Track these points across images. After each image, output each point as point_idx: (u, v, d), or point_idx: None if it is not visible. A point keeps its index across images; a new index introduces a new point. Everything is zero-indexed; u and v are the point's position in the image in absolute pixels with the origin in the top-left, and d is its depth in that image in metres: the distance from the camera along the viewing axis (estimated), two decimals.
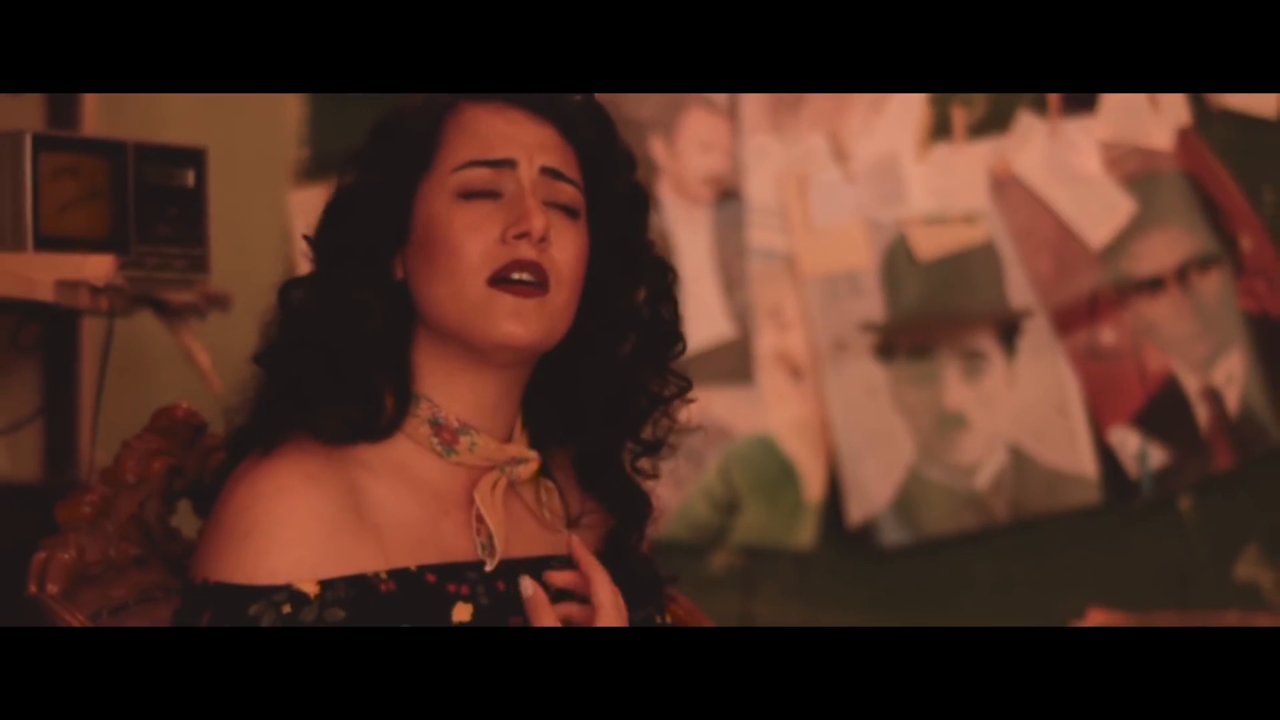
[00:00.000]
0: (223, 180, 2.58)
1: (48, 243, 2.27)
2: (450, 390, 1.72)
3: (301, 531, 1.63)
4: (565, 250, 1.71)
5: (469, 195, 1.70)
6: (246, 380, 1.74)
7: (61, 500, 1.79)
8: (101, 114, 3.04)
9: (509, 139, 1.72)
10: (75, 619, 1.70)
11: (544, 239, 1.68)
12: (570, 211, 1.73)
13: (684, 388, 1.81)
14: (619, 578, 1.76)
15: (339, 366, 1.69)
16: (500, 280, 1.68)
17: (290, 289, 1.74)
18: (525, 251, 1.68)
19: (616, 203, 1.77)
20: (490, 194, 1.70)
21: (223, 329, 2.65)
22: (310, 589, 1.62)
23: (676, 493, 3.36)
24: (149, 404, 1.90)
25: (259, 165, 3.18)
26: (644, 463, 1.82)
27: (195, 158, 2.50)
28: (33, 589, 1.73)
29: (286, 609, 1.61)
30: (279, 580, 1.62)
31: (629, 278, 1.77)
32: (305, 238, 1.76)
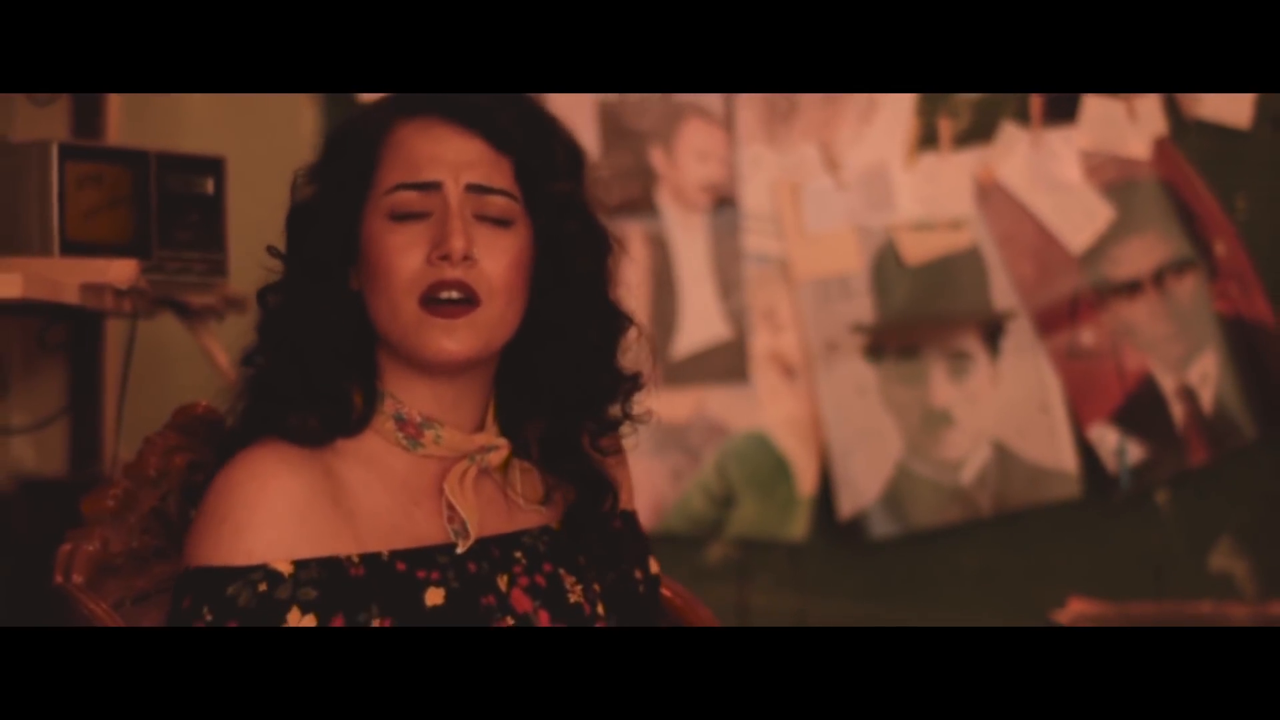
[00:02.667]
0: (241, 188, 2.58)
1: (73, 248, 2.27)
2: (411, 389, 1.72)
3: (275, 514, 1.63)
4: (496, 262, 1.70)
5: (399, 216, 1.70)
6: (238, 380, 1.75)
7: (86, 494, 1.79)
8: (125, 124, 3.03)
9: (434, 160, 1.70)
10: (99, 608, 1.70)
11: (468, 257, 1.68)
12: (502, 222, 1.71)
13: (632, 376, 1.80)
14: (584, 549, 1.77)
15: (308, 370, 1.70)
16: (430, 300, 1.68)
17: (266, 293, 1.75)
18: (449, 272, 1.67)
19: (551, 206, 1.74)
20: (419, 215, 1.70)
21: (240, 330, 2.64)
22: (285, 568, 1.62)
23: (675, 487, 3.36)
24: (170, 402, 1.90)
25: (275, 173, 3.17)
26: (604, 442, 1.82)
27: (214, 166, 2.50)
28: (59, 579, 1.73)
29: (262, 587, 1.61)
30: (255, 560, 1.62)
31: (565, 277, 1.76)
32: (270, 250, 1.76)
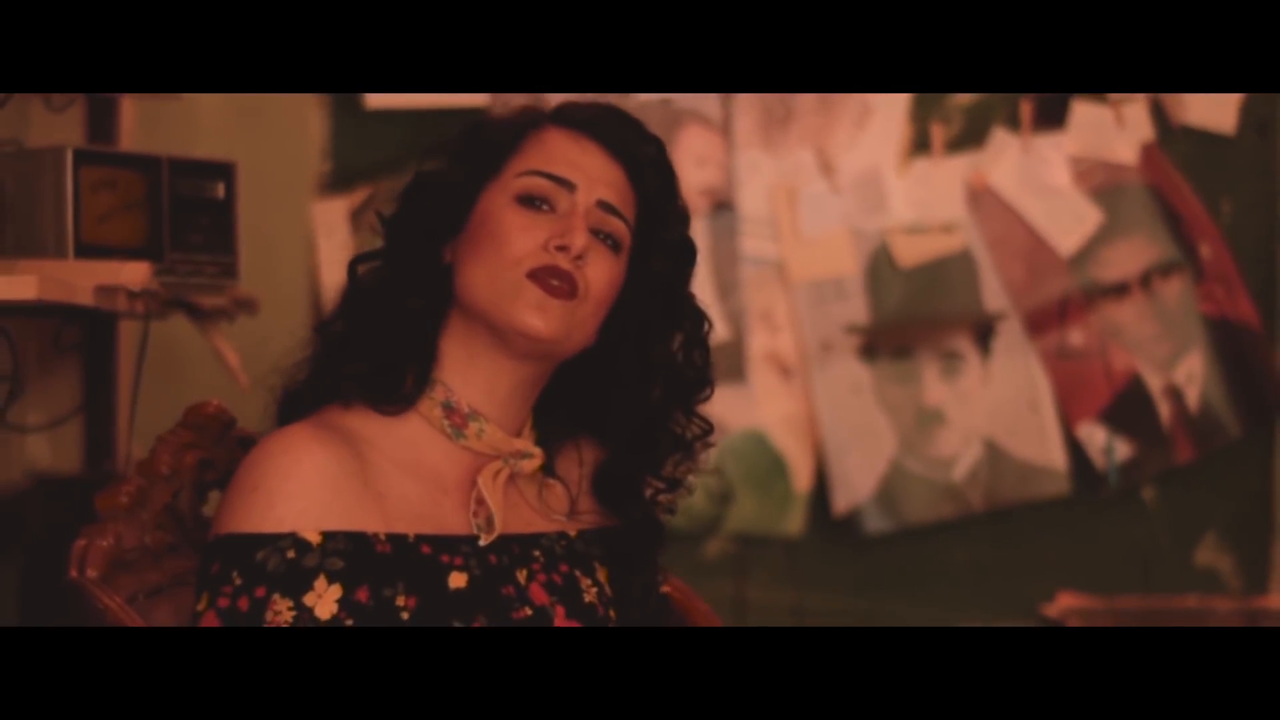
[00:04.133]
0: (251, 192, 2.58)
1: (87, 251, 2.27)
2: (468, 376, 1.73)
3: (306, 485, 1.64)
4: (600, 273, 1.72)
5: (526, 201, 1.72)
6: (305, 348, 1.76)
7: (100, 491, 1.79)
8: (138, 130, 3.03)
9: (576, 164, 1.74)
10: (113, 602, 1.70)
11: (581, 256, 1.70)
12: (614, 244, 1.74)
13: (707, 430, 1.82)
14: (622, 594, 1.78)
15: (375, 339, 1.71)
16: (534, 276, 1.69)
17: (359, 260, 1.77)
18: (562, 262, 1.69)
19: (667, 251, 1.78)
20: (546, 205, 1.72)
21: (251, 331, 2.65)
22: (313, 538, 1.63)
23: None
24: (182, 401, 1.90)
25: (285, 178, 3.18)
26: (664, 498, 1.83)
27: (225, 171, 2.50)
28: (73, 573, 1.73)
29: (291, 554, 1.62)
30: (284, 528, 1.63)
31: (668, 322, 1.79)
32: (377, 214, 1.78)
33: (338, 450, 1.67)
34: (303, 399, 1.73)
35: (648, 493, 1.82)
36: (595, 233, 1.73)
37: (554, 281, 1.69)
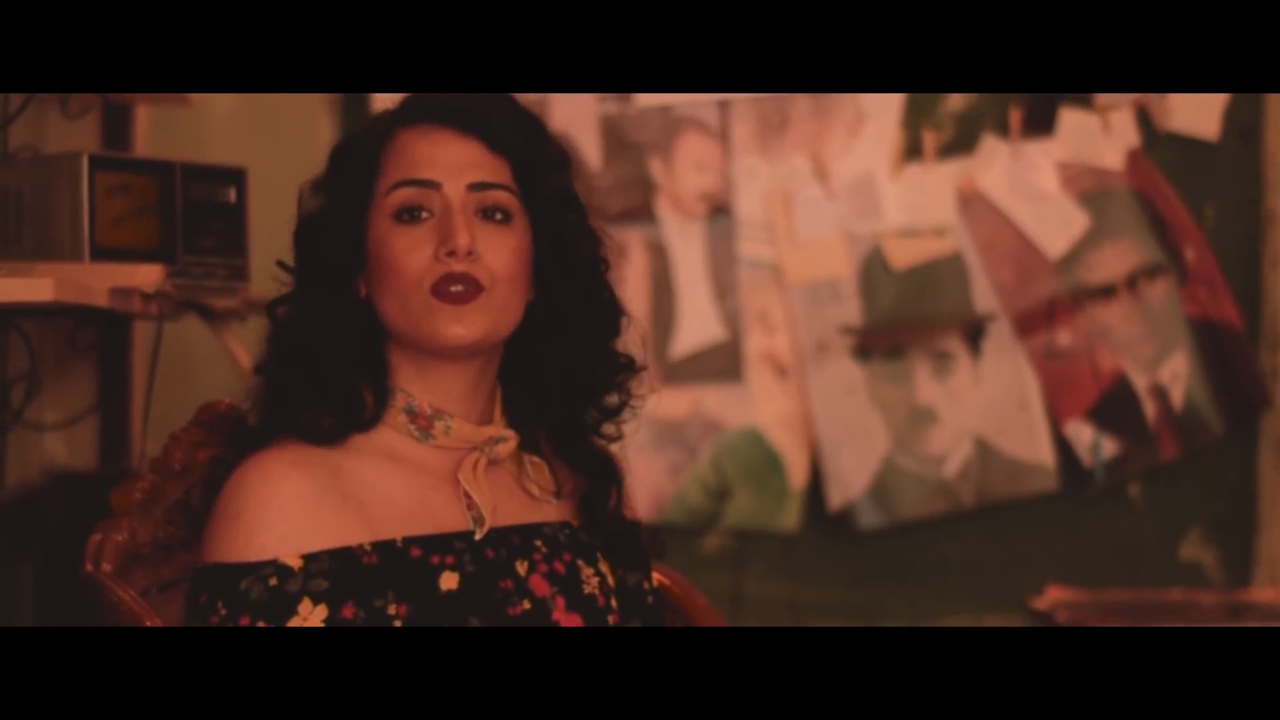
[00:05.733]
0: (261, 197, 2.58)
1: (103, 253, 2.27)
2: (422, 383, 1.72)
3: (284, 511, 1.63)
4: (499, 254, 1.70)
5: (402, 216, 1.70)
6: (253, 387, 1.75)
7: (115, 487, 1.79)
8: (151, 137, 3.04)
9: (433, 160, 1.71)
10: (127, 595, 1.70)
11: (471, 253, 1.68)
12: (504, 215, 1.72)
13: (629, 362, 1.80)
14: (600, 539, 1.77)
15: (320, 373, 1.69)
16: (438, 292, 1.68)
17: (275, 305, 1.75)
18: (455, 266, 1.68)
19: (547, 200, 1.75)
20: (423, 212, 1.70)
21: (261, 331, 2.65)
22: (294, 562, 1.62)
23: (673, 480, 3.36)
24: (194, 400, 1.90)
25: (294, 183, 3.17)
26: (607, 428, 1.82)
27: (236, 176, 2.50)
28: (89, 567, 1.73)
29: (273, 581, 1.61)
30: (266, 556, 1.62)
31: (565, 266, 1.76)
32: (279, 264, 1.76)
33: (314, 472, 1.66)
34: (261, 437, 1.70)
35: (591, 427, 1.80)
36: (481, 213, 1.70)
37: (456, 288, 1.67)
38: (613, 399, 1.80)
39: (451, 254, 1.67)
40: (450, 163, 1.71)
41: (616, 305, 1.79)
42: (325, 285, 1.72)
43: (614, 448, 1.84)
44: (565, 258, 1.75)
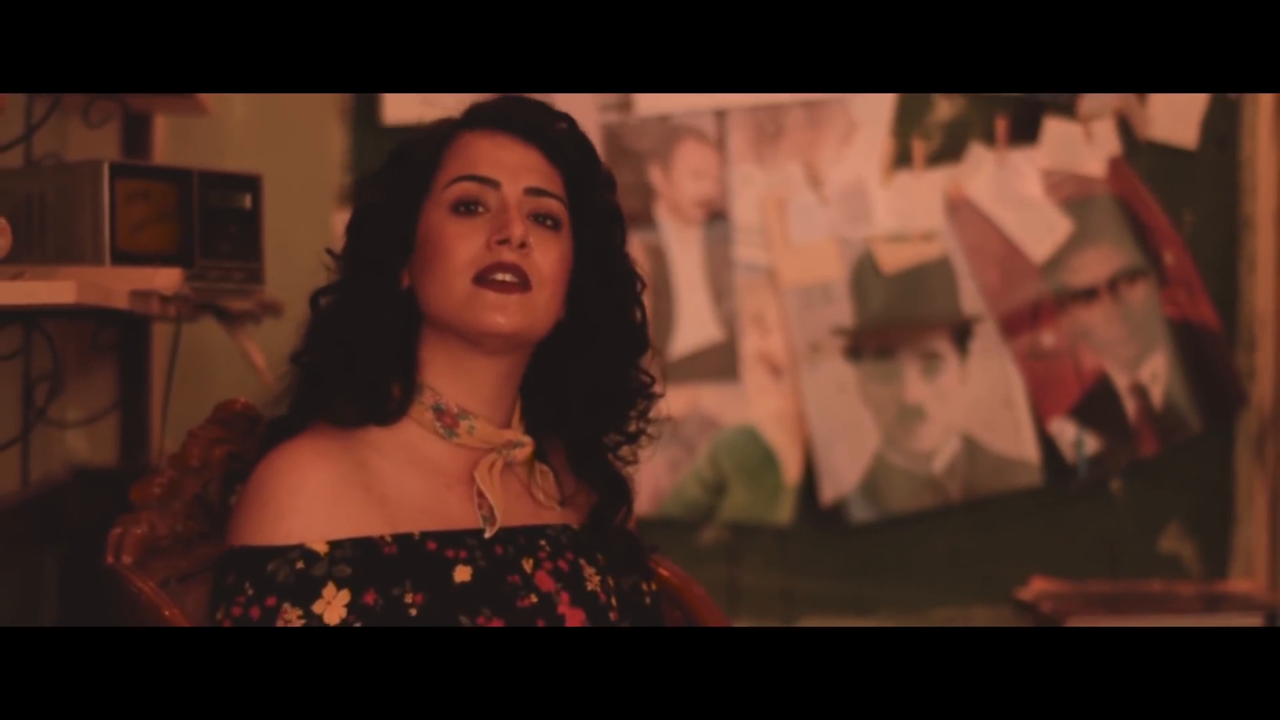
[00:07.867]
0: (276, 203, 2.58)
1: (123, 258, 2.27)
2: (451, 380, 1.72)
3: (312, 499, 1.64)
4: (547, 255, 1.71)
5: (459, 209, 1.71)
6: (284, 377, 1.76)
7: (135, 482, 1.79)
8: (170, 145, 3.04)
9: (496, 161, 1.72)
10: (146, 586, 1.70)
11: (524, 244, 1.69)
12: (554, 223, 1.73)
13: (651, 384, 1.81)
14: (603, 548, 1.77)
15: (354, 362, 1.70)
16: (484, 279, 1.68)
17: (319, 295, 1.76)
18: (506, 255, 1.68)
19: (596, 216, 1.77)
20: (479, 207, 1.71)
21: (275, 333, 2.65)
22: (320, 548, 1.63)
23: (671, 475, 3.36)
24: (211, 398, 1.90)
25: (307, 190, 3.18)
26: (625, 451, 1.83)
27: (252, 184, 2.50)
28: (110, 560, 1.73)
29: (300, 565, 1.62)
30: (293, 540, 1.63)
31: (605, 282, 1.77)
32: (328, 251, 1.77)
33: (339, 462, 1.66)
34: (291, 426, 1.71)
35: (609, 448, 1.81)
36: (533, 217, 1.71)
37: (503, 277, 1.68)
38: (633, 426, 1.81)
39: (504, 242, 1.68)
40: (511, 165, 1.72)
41: (643, 332, 1.80)
42: (370, 272, 1.72)
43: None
44: (604, 273, 1.76)
